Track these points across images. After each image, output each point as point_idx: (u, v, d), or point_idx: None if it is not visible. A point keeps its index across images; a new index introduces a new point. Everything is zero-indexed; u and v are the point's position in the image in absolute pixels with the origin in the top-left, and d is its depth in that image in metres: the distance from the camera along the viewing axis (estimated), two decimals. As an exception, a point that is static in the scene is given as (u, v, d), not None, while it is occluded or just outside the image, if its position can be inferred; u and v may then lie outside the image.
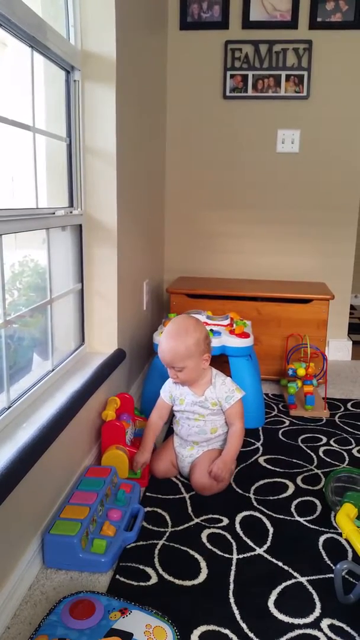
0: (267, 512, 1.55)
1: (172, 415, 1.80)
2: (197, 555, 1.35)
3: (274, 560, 1.34)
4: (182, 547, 1.38)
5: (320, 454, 1.91)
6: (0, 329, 1.31)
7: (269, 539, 1.43)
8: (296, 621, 1.15)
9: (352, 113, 2.81)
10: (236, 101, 2.85)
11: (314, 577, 1.28)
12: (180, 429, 1.74)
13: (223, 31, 2.78)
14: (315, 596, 1.22)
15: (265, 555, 1.36)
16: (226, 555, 1.36)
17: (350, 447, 1.98)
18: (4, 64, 1.50)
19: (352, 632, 1.12)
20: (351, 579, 1.27)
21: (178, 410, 1.73)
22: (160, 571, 1.29)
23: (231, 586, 1.25)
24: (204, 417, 1.67)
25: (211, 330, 2.11)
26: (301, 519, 1.52)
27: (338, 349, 3.08)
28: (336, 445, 1.98)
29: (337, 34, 2.73)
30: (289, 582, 1.26)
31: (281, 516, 1.53)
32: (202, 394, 1.68)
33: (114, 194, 1.82)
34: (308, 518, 1.52)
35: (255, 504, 1.59)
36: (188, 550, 1.37)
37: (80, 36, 1.70)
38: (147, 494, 1.64)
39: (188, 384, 1.69)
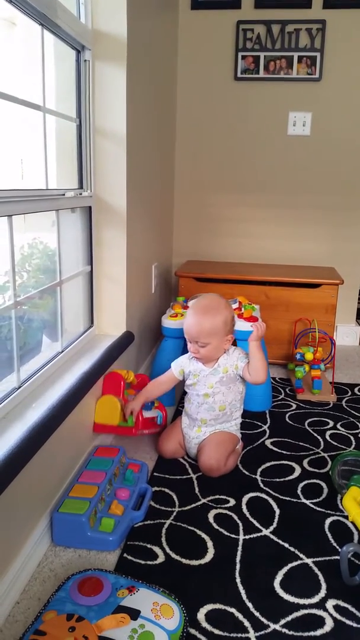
0: (274, 493, 1.56)
1: (182, 394, 1.79)
2: (204, 535, 1.37)
3: (280, 542, 1.35)
4: (189, 527, 1.40)
5: (327, 437, 1.92)
6: (10, 310, 1.32)
7: (275, 520, 1.44)
8: (302, 601, 1.16)
9: (365, 95, 2.77)
10: (247, 83, 2.81)
11: (319, 559, 1.29)
12: (190, 406, 1.74)
13: (235, 11, 2.73)
14: (320, 577, 1.23)
15: (272, 536, 1.37)
16: (233, 536, 1.37)
17: (356, 431, 1.98)
18: (13, 43, 1.48)
19: (357, 613, 1.13)
20: (357, 561, 1.28)
21: (190, 384, 1.73)
22: (168, 550, 1.31)
23: (237, 566, 1.26)
24: (212, 387, 1.67)
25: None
26: (307, 502, 1.53)
27: (346, 334, 3.07)
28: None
29: (353, 13, 2.67)
30: (295, 563, 1.27)
31: (287, 498, 1.54)
32: (215, 363, 1.68)
33: (124, 175, 1.81)
34: (314, 500, 1.53)
35: (261, 485, 1.61)
36: (195, 530, 1.39)
37: (91, 15, 1.68)
38: (155, 474, 1.66)
39: (206, 360, 1.69)
